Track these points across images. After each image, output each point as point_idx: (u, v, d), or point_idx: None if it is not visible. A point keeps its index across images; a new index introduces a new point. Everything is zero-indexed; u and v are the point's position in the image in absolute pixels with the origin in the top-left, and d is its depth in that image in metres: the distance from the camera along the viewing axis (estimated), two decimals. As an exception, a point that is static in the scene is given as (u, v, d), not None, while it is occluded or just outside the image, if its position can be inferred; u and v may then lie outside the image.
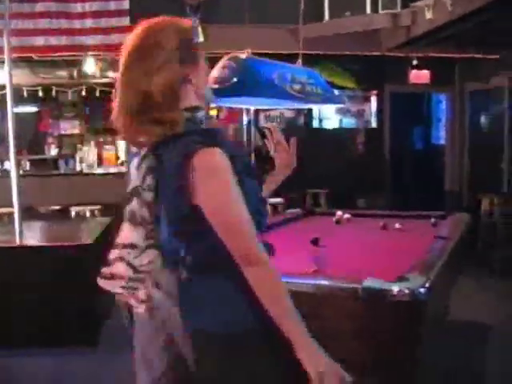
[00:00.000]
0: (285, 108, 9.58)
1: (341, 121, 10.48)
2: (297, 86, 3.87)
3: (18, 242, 4.98)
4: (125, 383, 3.96)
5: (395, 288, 2.61)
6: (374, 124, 10.22)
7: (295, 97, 3.85)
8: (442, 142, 10.94)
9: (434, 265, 3.08)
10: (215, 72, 3.62)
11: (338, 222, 4.88)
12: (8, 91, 5.49)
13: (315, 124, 10.30)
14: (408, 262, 3.12)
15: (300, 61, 4.38)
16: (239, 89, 3.51)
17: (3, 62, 8.25)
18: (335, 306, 2.71)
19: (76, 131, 12.39)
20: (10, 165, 9.81)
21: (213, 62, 8.04)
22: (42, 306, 4.44)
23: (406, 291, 2.60)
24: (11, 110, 5.47)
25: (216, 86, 3.54)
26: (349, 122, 10.43)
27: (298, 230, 4.45)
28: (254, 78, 3.57)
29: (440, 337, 3.80)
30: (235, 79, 3.49)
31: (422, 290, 2.63)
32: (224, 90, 3.52)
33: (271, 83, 3.63)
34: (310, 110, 10.14)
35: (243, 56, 3.65)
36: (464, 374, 4.17)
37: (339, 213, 4.98)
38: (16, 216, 5.18)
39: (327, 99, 4.27)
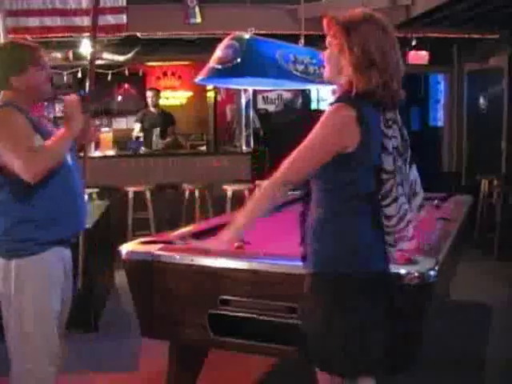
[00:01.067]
0: (283, 89, 9.53)
1: (337, 101, 10.42)
2: (300, 67, 3.82)
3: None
4: (125, 367, 3.99)
5: (403, 271, 2.58)
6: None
7: (298, 77, 3.80)
8: (440, 123, 10.90)
9: (442, 247, 3.05)
10: (218, 52, 3.57)
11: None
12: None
13: (315, 105, 10.24)
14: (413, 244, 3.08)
15: (302, 41, 4.32)
16: (242, 69, 3.46)
17: (-3, 45, 8.25)
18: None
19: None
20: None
21: (212, 42, 8.00)
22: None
23: (416, 274, 2.56)
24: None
25: (219, 67, 3.49)
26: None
27: (297, 212, 4.38)
28: (257, 58, 3.52)
29: (441, 317, 3.79)
30: (239, 59, 3.43)
31: (431, 272, 2.59)
32: (227, 71, 3.47)
33: (274, 63, 3.58)
34: (308, 92, 10.08)
35: (246, 36, 3.59)
36: (465, 354, 4.16)
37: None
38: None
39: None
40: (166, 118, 8.91)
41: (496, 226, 7.34)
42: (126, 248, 3.13)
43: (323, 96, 10.47)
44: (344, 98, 2.25)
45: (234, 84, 4.69)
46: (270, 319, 2.81)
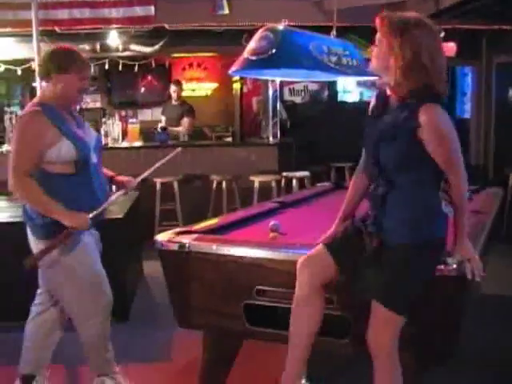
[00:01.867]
0: (309, 81, 9.52)
1: (361, 93, 10.41)
2: (333, 58, 3.80)
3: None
4: (158, 358, 4.02)
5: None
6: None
7: (332, 68, 3.78)
8: (467, 115, 10.80)
9: (479, 239, 3.03)
10: (252, 44, 3.56)
11: (369, 195, 4.82)
12: (36, 65, 5.44)
13: (340, 97, 10.20)
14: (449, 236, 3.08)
15: (334, 32, 4.30)
16: (277, 60, 3.45)
17: (26, 36, 8.30)
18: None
19: (98, 105, 12.40)
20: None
21: (238, 34, 7.98)
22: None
23: (454, 266, 2.55)
24: (40, 84, 5.41)
25: (254, 58, 3.49)
26: (369, 94, 10.33)
27: (329, 204, 4.39)
28: (292, 49, 3.50)
29: (471, 313, 3.77)
30: (273, 51, 3.42)
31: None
32: (262, 62, 3.47)
33: (309, 55, 3.57)
34: (334, 83, 10.05)
35: (280, 27, 3.58)
36: (496, 350, 4.13)
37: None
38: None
39: (362, 71, 4.19)
40: (184, 110, 8.90)
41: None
42: (161, 238, 3.16)
43: (348, 88, 10.44)
44: (431, 99, 2.48)
45: (267, 75, 4.68)
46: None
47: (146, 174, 3.56)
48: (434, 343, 2.67)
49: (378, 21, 2.53)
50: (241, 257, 2.94)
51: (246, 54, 3.58)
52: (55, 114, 3.12)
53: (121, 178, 3.53)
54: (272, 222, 3.41)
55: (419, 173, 2.57)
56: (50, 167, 3.11)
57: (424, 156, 2.51)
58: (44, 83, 3.28)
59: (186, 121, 8.77)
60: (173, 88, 9.01)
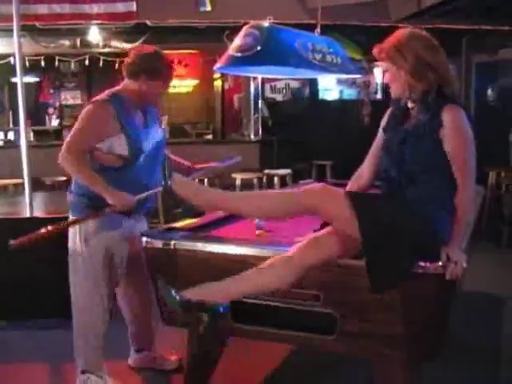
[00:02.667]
0: (291, 79, 9.52)
1: (341, 92, 10.43)
2: (318, 55, 3.78)
3: (28, 213, 4.90)
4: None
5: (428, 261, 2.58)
6: (379, 95, 10.16)
7: (317, 66, 3.76)
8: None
9: (465, 237, 3.04)
10: (237, 40, 3.54)
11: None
12: (17, 60, 5.36)
13: (321, 95, 10.22)
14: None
15: (318, 30, 4.28)
16: (263, 57, 3.43)
17: (5, 31, 8.20)
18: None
19: (78, 102, 12.33)
20: (13, 135, 9.80)
21: (221, 31, 7.96)
22: (55, 279, 4.35)
23: (440, 263, 2.56)
24: (21, 79, 5.34)
25: (239, 55, 3.47)
26: (349, 93, 10.37)
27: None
28: (277, 46, 3.48)
29: (453, 308, 3.79)
30: (259, 47, 3.40)
31: (456, 262, 2.59)
32: (247, 59, 3.45)
33: (294, 52, 3.54)
34: (315, 81, 10.06)
35: (266, 24, 3.56)
36: (478, 344, 4.17)
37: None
38: (26, 187, 5.10)
39: (346, 69, 4.18)
40: None
41: (505, 218, 7.35)
42: (146, 235, 3.12)
43: (328, 86, 10.46)
44: (450, 100, 2.61)
45: (252, 72, 4.66)
46: (292, 307, 2.82)
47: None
48: (422, 340, 2.68)
49: (375, 53, 2.71)
50: (227, 254, 2.93)
51: (230, 50, 3.56)
52: (123, 107, 3.27)
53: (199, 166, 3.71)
54: (257, 219, 3.40)
55: (440, 173, 2.63)
56: (99, 156, 3.24)
57: (446, 156, 2.60)
58: (127, 80, 3.34)
59: None
60: None
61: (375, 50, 2.72)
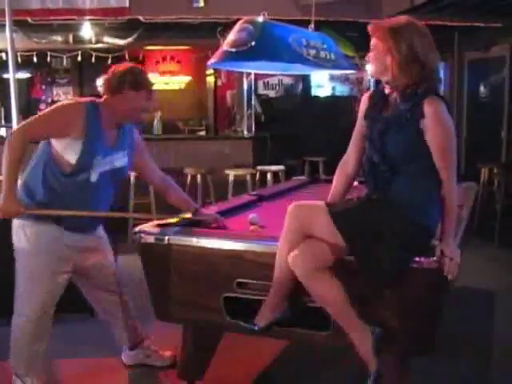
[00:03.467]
0: (283, 75, 9.53)
1: (334, 88, 10.44)
2: (312, 51, 3.80)
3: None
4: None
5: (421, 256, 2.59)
6: (371, 92, 10.16)
7: (310, 62, 3.78)
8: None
9: (457, 233, 3.05)
10: (232, 36, 3.55)
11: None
12: (10, 56, 5.36)
13: (314, 91, 10.23)
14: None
15: (312, 25, 4.30)
16: (257, 52, 3.44)
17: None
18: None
19: (69, 97, 12.28)
20: (5, 132, 9.76)
21: (214, 27, 7.94)
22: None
23: (434, 258, 2.57)
24: (13, 75, 5.34)
25: (233, 50, 3.47)
26: (342, 89, 10.37)
27: (306, 197, 4.39)
28: (272, 41, 3.50)
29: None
30: (253, 43, 3.41)
31: (448, 257, 2.61)
32: (241, 54, 3.46)
33: (288, 47, 3.56)
34: (308, 78, 10.07)
35: (260, 19, 3.57)
36: (470, 340, 4.19)
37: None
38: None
39: (340, 65, 4.21)
40: None
41: (497, 214, 7.37)
42: (140, 230, 3.12)
43: (321, 82, 10.46)
44: (431, 92, 2.63)
45: (246, 68, 4.67)
46: (287, 303, 2.82)
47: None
48: (416, 334, 2.69)
49: (370, 28, 2.69)
50: (221, 249, 2.94)
51: (225, 45, 3.57)
52: (97, 116, 3.22)
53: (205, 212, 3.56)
54: (251, 215, 3.41)
55: (422, 162, 2.66)
56: (55, 154, 3.18)
57: (427, 146, 2.63)
58: (106, 96, 3.29)
59: None
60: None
61: (371, 26, 2.69)
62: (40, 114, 3.31)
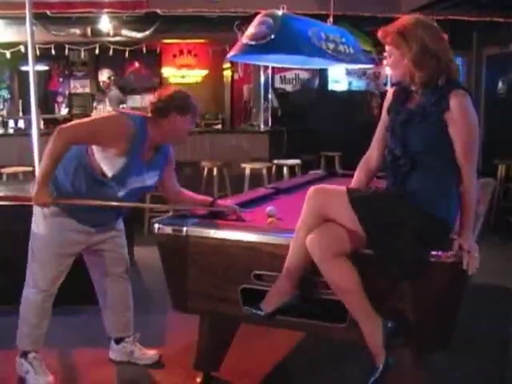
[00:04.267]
0: (300, 69, 9.52)
1: (350, 83, 10.42)
2: (331, 45, 3.80)
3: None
4: (151, 342, 4.02)
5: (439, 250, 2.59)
6: (388, 87, 10.12)
7: (329, 55, 3.78)
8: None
9: (475, 227, 3.05)
10: (251, 29, 3.55)
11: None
12: (29, 49, 5.37)
13: (330, 86, 10.21)
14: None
15: (331, 19, 4.30)
16: (277, 46, 3.44)
17: (16, 18, 8.21)
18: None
19: (87, 90, 12.34)
20: (23, 123, 9.82)
21: (231, 20, 7.95)
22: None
23: (452, 252, 2.57)
24: (33, 68, 5.35)
25: (253, 43, 3.48)
26: (358, 84, 10.35)
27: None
28: (291, 35, 3.50)
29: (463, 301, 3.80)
30: (273, 36, 3.41)
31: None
32: (261, 47, 3.46)
33: (308, 41, 3.56)
34: (325, 72, 10.05)
35: (280, 12, 3.57)
36: (488, 337, 4.17)
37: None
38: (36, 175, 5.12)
39: (358, 59, 4.20)
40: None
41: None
42: (159, 222, 3.14)
43: (337, 77, 10.44)
44: (456, 85, 2.64)
45: (265, 61, 4.65)
46: (303, 294, 2.83)
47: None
48: (434, 329, 2.69)
49: (380, 35, 2.71)
50: (239, 241, 2.95)
51: (244, 38, 3.57)
52: (144, 135, 3.26)
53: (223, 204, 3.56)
54: (269, 208, 3.41)
55: (442, 156, 2.66)
56: (91, 156, 3.24)
57: (449, 140, 2.62)
58: (152, 117, 3.32)
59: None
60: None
61: (380, 33, 2.70)
62: (88, 120, 3.41)
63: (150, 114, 3.32)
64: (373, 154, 2.96)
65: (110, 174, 3.23)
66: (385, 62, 2.78)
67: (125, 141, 3.18)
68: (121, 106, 8.41)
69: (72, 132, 3.20)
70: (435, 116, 2.62)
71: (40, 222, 3.38)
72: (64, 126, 3.24)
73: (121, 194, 3.33)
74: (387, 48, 2.71)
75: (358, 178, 2.99)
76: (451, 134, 2.61)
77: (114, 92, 9.51)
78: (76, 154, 3.26)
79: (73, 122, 3.27)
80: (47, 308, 3.46)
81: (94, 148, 3.23)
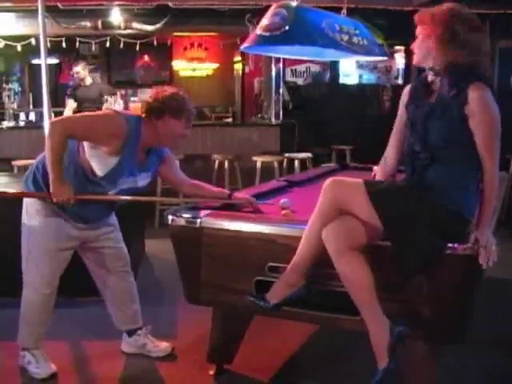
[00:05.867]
0: (311, 62, 9.50)
1: (361, 76, 10.38)
2: (345, 37, 3.77)
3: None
4: (163, 335, 4.02)
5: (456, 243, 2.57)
6: (400, 81, 10.08)
7: (343, 47, 3.75)
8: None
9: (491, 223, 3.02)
10: (265, 20, 3.53)
11: (375, 176, 4.81)
12: (41, 42, 5.37)
13: (341, 80, 10.18)
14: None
15: (345, 11, 4.27)
16: (291, 37, 3.42)
17: (26, 11, 8.21)
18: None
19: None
20: (34, 116, 9.84)
21: (242, 13, 7.92)
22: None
23: (468, 245, 2.55)
24: (45, 61, 5.36)
25: (266, 34, 3.46)
26: (369, 77, 10.30)
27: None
28: (305, 26, 3.48)
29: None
30: (287, 27, 3.39)
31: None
32: (275, 38, 3.44)
33: (322, 32, 3.54)
34: (337, 65, 10.02)
35: (294, 3, 3.54)
36: (501, 331, 4.15)
37: (376, 167, 4.90)
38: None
39: (372, 52, 4.17)
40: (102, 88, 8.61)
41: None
42: (172, 213, 3.12)
43: (348, 71, 10.41)
44: (479, 78, 2.61)
45: (279, 53, 4.62)
46: (317, 287, 2.82)
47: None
48: (448, 323, 2.68)
49: (416, 17, 2.71)
50: (253, 233, 2.94)
51: (258, 30, 3.55)
52: (137, 135, 3.23)
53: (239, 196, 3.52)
54: (282, 200, 3.40)
55: (463, 150, 2.64)
56: (83, 156, 3.22)
57: (470, 133, 2.60)
58: (146, 117, 3.28)
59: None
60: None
61: (417, 14, 2.71)
62: (83, 115, 3.39)
63: (143, 115, 3.28)
64: (389, 154, 2.97)
65: (100, 173, 3.20)
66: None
67: (118, 140, 3.14)
68: (103, 98, 8.21)
69: (67, 123, 3.19)
70: (455, 110, 2.59)
71: (33, 219, 3.35)
72: (56, 118, 3.24)
73: (111, 193, 3.32)
74: (417, 30, 2.70)
75: (378, 177, 3.02)
76: (471, 127, 2.58)
77: (95, 84, 8.99)
78: (68, 151, 3.20)
79: (65, 116, 3.24)
80: (48, 307, 3.44)
81: (86, 146, 3.19)
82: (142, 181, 3.39)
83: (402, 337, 2.60)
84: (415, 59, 2.75)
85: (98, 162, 3.19)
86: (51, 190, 3.15)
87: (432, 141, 2.65)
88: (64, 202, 3.17)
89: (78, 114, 3.29)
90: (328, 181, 2.75)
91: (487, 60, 2.69)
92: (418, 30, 2.70)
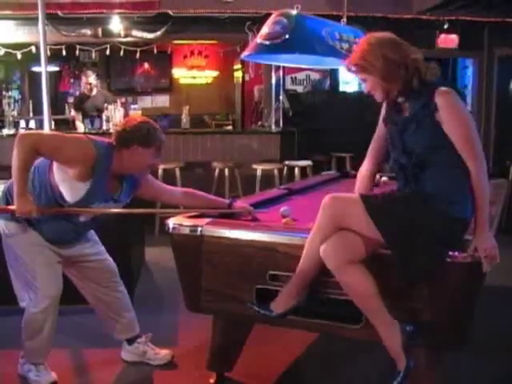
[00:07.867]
0: (311, 70, 9.51)
1: (360, 84, 10.38)
2: (344, 45, 3.80)
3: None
4: (164, 342, 4.01)
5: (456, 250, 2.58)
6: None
7: (343, 55, 3.76)
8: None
9: (491, 228, 3.03)
10: (266, 28, 3.55)
11: (376, 184, 4.81)
12: (42, 49, 5.39)
13: (341, 87, 10.19)
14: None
15: (345, 19, 4.29)
16: (291, 45, 3.44)
17: (27, 19, 8.23)
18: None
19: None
20: (34, 124, 9.84)
21: (242, 21, 7.94)
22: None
23: (468, 253, 2.56)
24: (45, 68, 5.37)
25: (267, 43, 3.47)
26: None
27: (336, 191, 4.38)
28: (305, 34, 3.50)
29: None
30: (287, 35, 3.41)
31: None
32: (275, 47, 3.46)
33: (322, 40, 3.56)
34: (336, 73, 10.04)
35: (294, 12, 3.56)
36: (501, 338, 4.15)
37: (376, 176, 4.91)
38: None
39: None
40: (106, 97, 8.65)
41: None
42: (173, 222, 3.12)
43: (347, 79, 10.42)
44: (438, 83, 2.66)
45: (279, 61, 4.65)
46: (318, 295, 2.83)
47: None
48: (448, 329, 2.68)
49: (346, 68, 2.81)
50: (254, 241, 2.94)
51: (259, 38, 3.57)
52: (108, 163, 3.19)
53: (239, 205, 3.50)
54: (283, 208, 3.41)
55: (448, 153, 2.65)
56: (53, 181, 3.18)
57: (448, 139, 2.62)
58: (116, 146, 3.23)
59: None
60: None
61: (346, 66, 2.79)
62: (55, 134, 3.36)
63: (114, 142, 3.23)
64: (366, 165, 3.10)
65: (70, 200, 3.17)
66: (363, 86, 2.77)
67: (84, 165, 3.09)
68: (105, 105, 8.23)
69: (36, 137, 3.12)
70: (428, 119, 2.63)
71: (9, 242, 3.33)
72: (25, 132, 3.18)
73: (82, 219, 3.30)
74: (359, 76, 2.77)
75: (358, 184, 3.12)
76: (447, 132, 2.61)
77: (100, 92, 9.05)
78: (41, 170, 3.19)
79: (36, 131, 3.20)
80: (51, 322, 3.37)
81: (55, 170, 3.15)
82: (116, 208, 3.35)
83: (412, 335, 2.63)
84: (379, 99, 2.79)
85: (67, 188, 3.15)
86: (15, 203, 3.10)
87: (415, 150, 2.68)
88: (28, 215, 3.10)
89: (49, 132, 3.22)
90: (327, 197, 2.77)
91: (424, 65, 2.70)
92: (361, 76, 2.74)
